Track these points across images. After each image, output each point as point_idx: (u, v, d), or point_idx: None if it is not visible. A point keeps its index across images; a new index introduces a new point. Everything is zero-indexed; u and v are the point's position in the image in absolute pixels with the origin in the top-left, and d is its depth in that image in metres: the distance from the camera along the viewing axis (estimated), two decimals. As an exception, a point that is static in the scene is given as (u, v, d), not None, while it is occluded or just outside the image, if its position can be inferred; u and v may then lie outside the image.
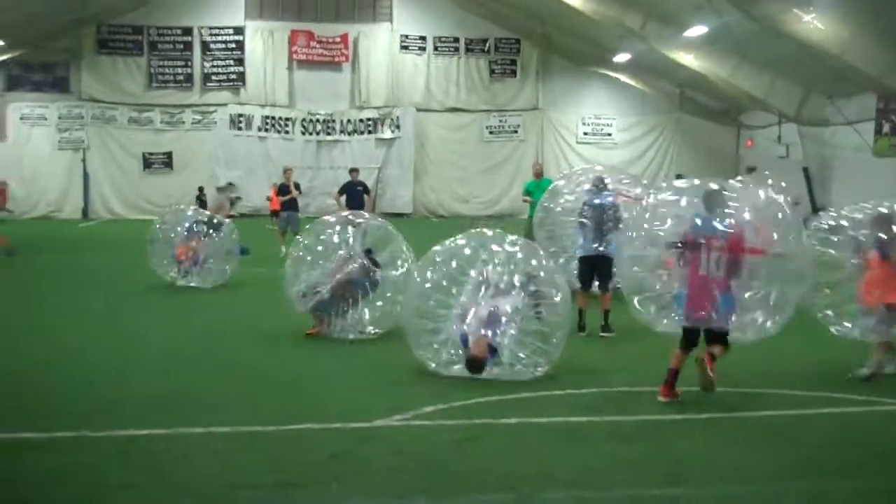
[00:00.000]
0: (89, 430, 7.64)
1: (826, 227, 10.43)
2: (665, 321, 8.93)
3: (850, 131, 34.17)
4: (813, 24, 27.51)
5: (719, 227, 8.49)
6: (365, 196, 23.67)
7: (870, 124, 33.88)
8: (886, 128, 33.47)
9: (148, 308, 14.78)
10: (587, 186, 13.76)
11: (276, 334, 11.99)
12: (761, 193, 8.91)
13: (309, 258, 12.43)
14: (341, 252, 12.26)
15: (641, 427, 8.01)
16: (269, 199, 27.52)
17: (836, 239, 10.23)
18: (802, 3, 26.14)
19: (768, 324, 8.67)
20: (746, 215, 8.59)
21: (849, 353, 10.24)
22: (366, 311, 12.13)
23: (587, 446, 7.44)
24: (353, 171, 24.67)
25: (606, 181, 13.41)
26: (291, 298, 12.10)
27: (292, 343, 11.61)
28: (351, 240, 12.35)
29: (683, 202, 8.90)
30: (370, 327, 12.05)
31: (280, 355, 11.04)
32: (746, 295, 8.56)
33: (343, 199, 23.34)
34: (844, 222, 10.25)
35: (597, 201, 12.95)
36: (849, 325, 10.00)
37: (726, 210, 8.57)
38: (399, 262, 12.21)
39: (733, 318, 8.56)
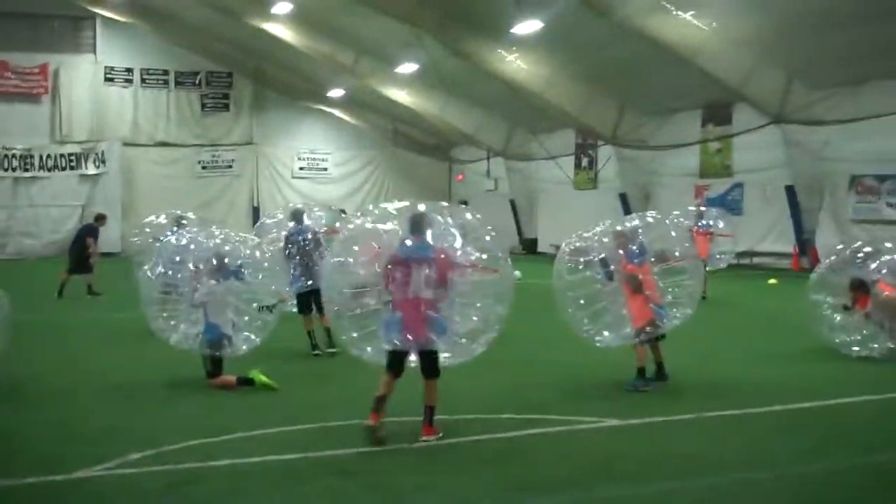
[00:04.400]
0: None
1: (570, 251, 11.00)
2: (370, 349, 8.80)
3: (553, 165, 36.14)
4: (516, 64, 28.94)
5: (428, 247, 8.46)
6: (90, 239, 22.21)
7: (570, 159, 36.06)
8: (584, 162, 35.73)
9: None
10: (291, 224, 14.20)
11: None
12: (468, 215, 9.13)
13: None
14: None
15: (357, 460, 7.91)
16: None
17: (582, 261, 10.83)
18: (505, 43, 27.41)
19: (473, 345, 8.87)
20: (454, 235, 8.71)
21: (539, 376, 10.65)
22: None
23: (304, 483, 7.25)
24: (99, 217, 23.38)
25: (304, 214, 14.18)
26: None
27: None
28: None
29: (389, 226, 8.84)
30: None
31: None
32: (457, 317, 8.68)
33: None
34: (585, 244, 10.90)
35: (299, 236, 13.69)
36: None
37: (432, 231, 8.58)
38: None
39: (446, 337, 8.55)
